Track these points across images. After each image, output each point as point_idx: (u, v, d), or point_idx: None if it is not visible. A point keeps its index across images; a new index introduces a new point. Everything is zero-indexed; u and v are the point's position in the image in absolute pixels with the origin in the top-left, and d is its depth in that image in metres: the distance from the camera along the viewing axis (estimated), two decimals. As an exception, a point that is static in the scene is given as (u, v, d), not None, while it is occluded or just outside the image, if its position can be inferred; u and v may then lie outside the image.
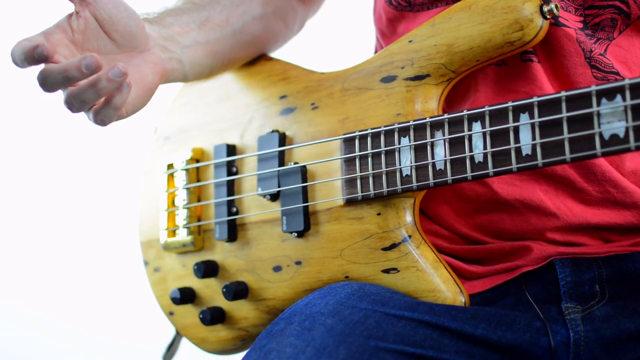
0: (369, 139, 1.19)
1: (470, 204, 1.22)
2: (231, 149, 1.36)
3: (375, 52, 1.44)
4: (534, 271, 1.19)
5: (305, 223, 1.24)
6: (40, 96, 1.23)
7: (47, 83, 1.08)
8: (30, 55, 1.06)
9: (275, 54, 1.46)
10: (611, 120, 0.98)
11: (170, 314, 1.43)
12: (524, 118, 1.05)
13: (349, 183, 1.20)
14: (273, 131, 1.31)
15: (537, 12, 1.10)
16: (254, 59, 1.43)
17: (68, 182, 3.05)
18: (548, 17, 1.10)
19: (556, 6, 1.09)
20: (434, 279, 1.15)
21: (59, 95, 1.13)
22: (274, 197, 1.29)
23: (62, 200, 3.07)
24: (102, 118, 1.13)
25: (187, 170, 1.39)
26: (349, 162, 1.21)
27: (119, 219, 2.74)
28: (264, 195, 1.29)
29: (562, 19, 1.14)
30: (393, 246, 1.18)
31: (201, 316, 1.33)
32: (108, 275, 2.96)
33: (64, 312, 3.03)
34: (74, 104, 1.11)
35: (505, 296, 1.20)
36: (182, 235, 1.38)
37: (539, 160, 1.03)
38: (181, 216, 1.39)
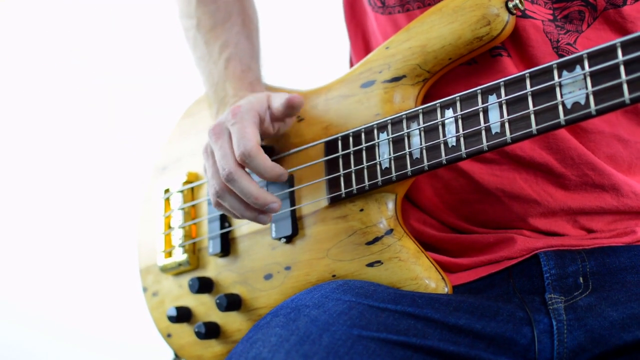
0: (351, 139, 1.23)
1: (457, 195, 1.26)
2: (223, 168, 1.40)
3: (350, 59, 1.51)
4: (519, 264, 1.20)
5: (293, 227, 1.28)
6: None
7: None
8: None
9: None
10: (573, 90, 1.02)
11: (168, 336, 1.45)
12: (492, 99, 1.09)
13: (333, 183, 1.24)
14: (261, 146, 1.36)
15: (503, 8, 1.15)
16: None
17: (68, 186, 3.08)
18: (514, 12, 1.15)
19: (520, 1, 1.15)
20: (416, 268, 1.17)
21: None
22: (264, 207, 1.32)
23: (60, 203, 3.10)
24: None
25: (182, 192, 1.44)
26: (332, 164, 1.25)
27: (119, 224, 2.77)
28: (254, 207, 1.33)
29: (529, 11, 1.19)
30: (376, 240, 1.20)
31: (196, 330, 1.35)
32: (108, 277, 2.95)
33: (63, 313, 3.02)
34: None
35: (490, 287, 1.21)
36: (178, 255, 1.42)
37: (508, 136, 1.07)
38: (177, 236, 1.43)
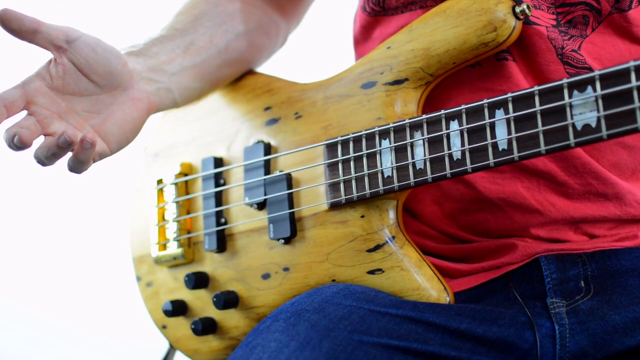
0: (351, 144, 1.21)
1: (456, 203, 1.24)
2: (218, 162, 1.38)
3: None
4: (520, 268, 1.20)
5: (291, 229, 1.26)
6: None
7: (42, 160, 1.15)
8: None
9: (259, 68, 1.49)
10: (583, 111, 1.00)
11: (163, 327, 1.44)
12: (499, 114, 1.07)
13: (333, 187, 1.22)
14: (258, 142, 1.33)
15: (510, 13, 1.12)
16: (238, 75, 1.46)
17: (64, 184, 3.04)
18: (521, 17, 1.13)
19: (528, 7, 1.12)
20: (418, 278, 1.17)
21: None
22: (261, 206, 1.31)
23: (59, 202, 3.08)
24: (72, 168, 1.17)
25: (176, 184, 1.42)
26: (332, 167, 1.23)
27: (117, 224, 2.75)
28: (251, 205, 1.31)
29: (533, 17, 1.16)
30: (377, 247, 1.19)
31: (193, 327, 1.34)
32: (108, 277, 2.94)
33: (63, 313, 3.02)
34: (44, 161, 1.15)
35: (492, 294, 1.21)
36: (173, 248, 1.40)
37: (515, 154, 1.05)
38: (171, 229, 1.41)
